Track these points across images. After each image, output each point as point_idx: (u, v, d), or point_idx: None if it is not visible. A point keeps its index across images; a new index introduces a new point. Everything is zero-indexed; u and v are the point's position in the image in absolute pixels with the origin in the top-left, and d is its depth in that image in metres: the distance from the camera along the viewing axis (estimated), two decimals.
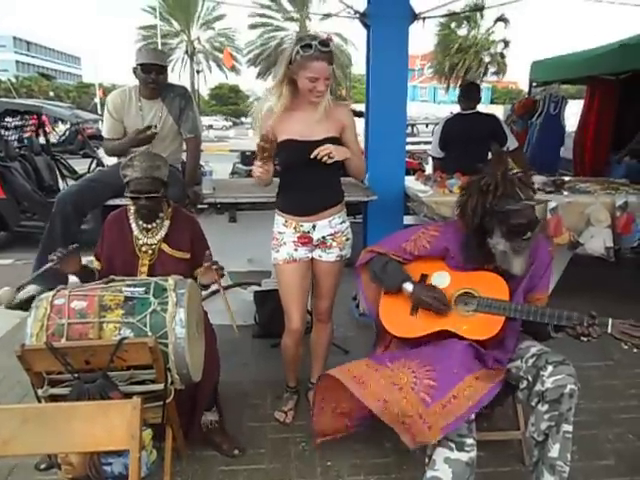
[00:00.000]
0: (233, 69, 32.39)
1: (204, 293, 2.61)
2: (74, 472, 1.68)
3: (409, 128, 13.55)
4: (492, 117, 4.10)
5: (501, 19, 26.80)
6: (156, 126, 2.85)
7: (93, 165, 6.36)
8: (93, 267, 2.16)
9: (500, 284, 1.89)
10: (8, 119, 6.09)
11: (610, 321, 1.71)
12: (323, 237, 2.26)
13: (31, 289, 2.59)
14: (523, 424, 2.13)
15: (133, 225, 2.16)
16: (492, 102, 33.27)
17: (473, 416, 1.70)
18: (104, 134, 3.00)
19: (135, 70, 2.84)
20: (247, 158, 8.16)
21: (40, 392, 1.74)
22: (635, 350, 1.68)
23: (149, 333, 1.75)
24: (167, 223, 2.18)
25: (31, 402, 1.83)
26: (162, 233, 2.16)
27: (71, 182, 5.79)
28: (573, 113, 5.96)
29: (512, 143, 4.05)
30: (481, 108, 4.20)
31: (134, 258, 2.14)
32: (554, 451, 1.72)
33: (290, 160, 2.17)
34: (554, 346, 1.87)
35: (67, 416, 1.32)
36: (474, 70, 27.95)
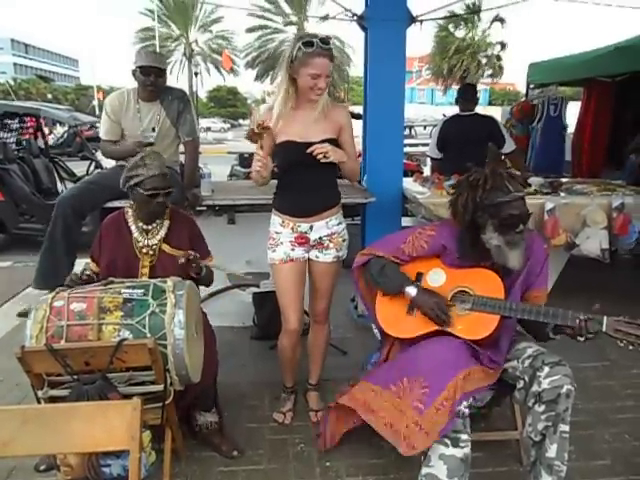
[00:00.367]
0: (232, 71, 32.38)
1: (203, 295, 2.62)
2: (73, 474, 1.69)
3: (407, 130, 13.59)
4: (490, 119, 4.12)
5: (497, 19, 26.90)
6: (152, 144, 2.86)
7: (92, 167, 6.36)
8: (89, 272, 2.15)
9: (495, 281, 1.89)
10: (6, 121, 6.09)
11: (605, 319, 1.71)
12: (320, 238, 2.27)
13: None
14: (520, 424, 2.14)
15: (132, 227, 2.17)
16: (490, 104, 33.33)
17: (467, 412, 1.72)
18: (101, 135, 3.02)
19: (134, 72, 2.86)
20: (245, 160, 8.16)
21: (40, 394, 1.75)
22: (631, 347, 1.68)
23: (148, 334, 1.76)
24: (167, 223, 2.19)
25: (30, 404, 1.84)
26: (162, 233, 2.17)
27: (69, 184, 5.79)
28: (571, 114, 5.97)
29: (509, 145, 4.07)
30: (479, 110, 4.22)
31: (135, 260, 2.15)
32: (551, 451, 1.73)
33: (288, 161, 2.18)
34: (551, 347, 1.88)
35: (67, 417, 1.33)
36: (472, 72, 28.03)
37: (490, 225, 1.84)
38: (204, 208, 3.11)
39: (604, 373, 2.84)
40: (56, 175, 6.43)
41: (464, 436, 1.70)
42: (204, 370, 1.99)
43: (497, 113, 7.78)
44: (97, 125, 3.89)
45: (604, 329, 1.71)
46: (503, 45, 28.26)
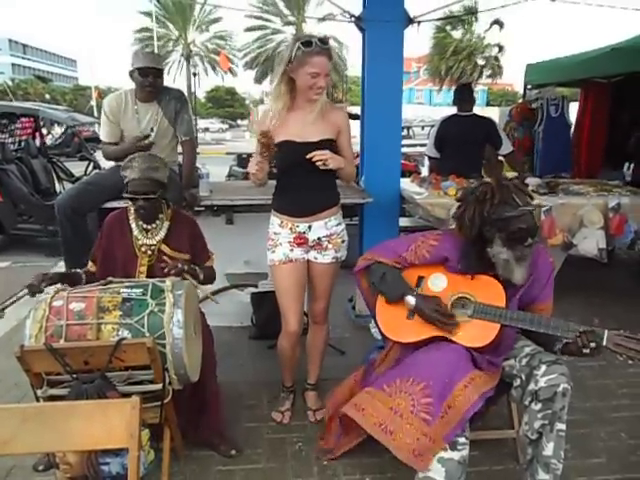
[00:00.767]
0: (230, 71, 32.38)
1: (201, 295, 2.63)
2: (72, 472, 1.70)
3: (405, 130, 13.61)
4: (488, 120, 4.13)
5: (496, 22, 26.95)
6: (150, 135, 2.87)
7: (90, 168, 6.37)
8: (81, 272, 2.16)
9: (497, 290, 1.89)
10: (4, 121, 6.09)
11: (605, 333, 1.72)
12: (319, 238, 2.27)
13: None
14: (517, 423, 2.15)
15: (133, 225, 2.18)
16: (488, 104, 33.36)
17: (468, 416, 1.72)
18: (102, 138, 3.03)
19: (132, 73, 2.86)
20: (243, 161, 8.16)
21: (39, 393, 1.76)
22: (630, 362, 1.69)
23: (147, 334, 1.77)
24: (167, 224, 2.20)
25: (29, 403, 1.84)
26: (162, 234, 2.18)
27: (68, 185, 5.79)
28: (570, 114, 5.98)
29: (507, 147, 4.09)
30: (477, 110, 4.23)
31: (134, 258, 2.16)
32: (548, 449, 1.74)
33: (287, 161, 2.19)
34: None
35: (66, 415, 1.34)
36: (469, 73, 28.07)
37: (498, 239, 1.82)
38: (202, 208, 3.12)
39: (600, 372, 2.85)
40: (54, 175, 6.43)
41: (462, 439, 1.71)
42: (202, 369, 2.00)
43: (495, 113, 7.80)
44: (98, 122, 3.89)
45: (604, 343, 1.71)
46: (500, 47, 28.33)
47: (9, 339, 3.19)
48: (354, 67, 28.92)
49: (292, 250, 2.27)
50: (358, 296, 3.36)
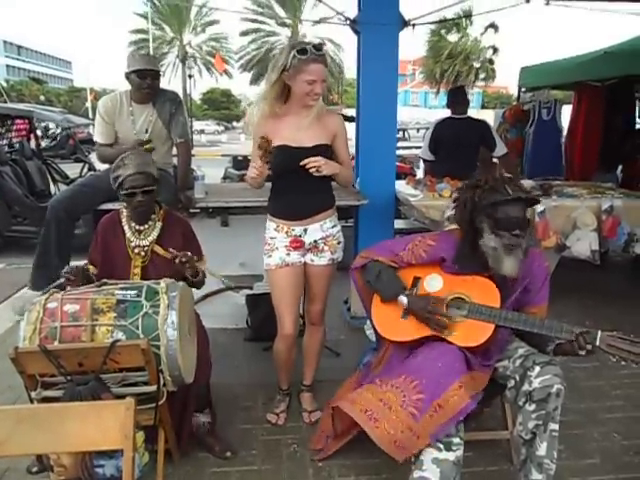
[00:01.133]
0: (225, 73, 32.39)
1: (196, 296, 2.63)
2: (66, 474, 1.69)
3: (400, 133, 13.66)
4: (482, 123, 4.16)
5: (491, 26, 27.09)
6: (151, 141, 2.87)
7: (85, 170, 6.35)
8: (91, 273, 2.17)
9: (492, 290, 1.90)
10: None
11: (599, 334, 1.73)
12: (315, 241, 2.28)
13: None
14: (511, 424, 2.16)
15: (126, 227, 2.18)
16: (483, 107, 33.50)
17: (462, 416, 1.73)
18: (96, 139, 3.02)
19: (128, 76, 2.86)
20: (239, 163, 8.18)
21: (33, 394, 1.75)
22: (623, 363, 1.70)
23: (141, 335, 1.77)
24: (159, 225, 2.20)
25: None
26: (154, 235, 2.18)
27: (63, 187, 5.77)
28: (563, 118, 6.01)
29: (501, 149, 4.11)
30: (472, 113, 4.26)
31: (127, 260, 2.16)
32: (541, 449, 1.75)
33: (283, 166, 2.18)
34: None
35: (61, 416, 1.34)
36: (464, 76, 28.18)
37: (487, 227, 1.86)
38: (197, 210, 3.12)
39: (594, 373, 2.87)
40: (49, 177, 6.42)
41: (456, 439, 1.71)
42: (197, 371, 1.99)
43: (490, 116, 7.83)
44: (93, 124, 3.89)
45: (597, 343, 1.72)
46: (495, 50, 28.46)
47: (3, 341, 3.18)
48: (350, 69, 29.03)
49: (289, 254, 2.28)
50: (353, 297, 3.37)
